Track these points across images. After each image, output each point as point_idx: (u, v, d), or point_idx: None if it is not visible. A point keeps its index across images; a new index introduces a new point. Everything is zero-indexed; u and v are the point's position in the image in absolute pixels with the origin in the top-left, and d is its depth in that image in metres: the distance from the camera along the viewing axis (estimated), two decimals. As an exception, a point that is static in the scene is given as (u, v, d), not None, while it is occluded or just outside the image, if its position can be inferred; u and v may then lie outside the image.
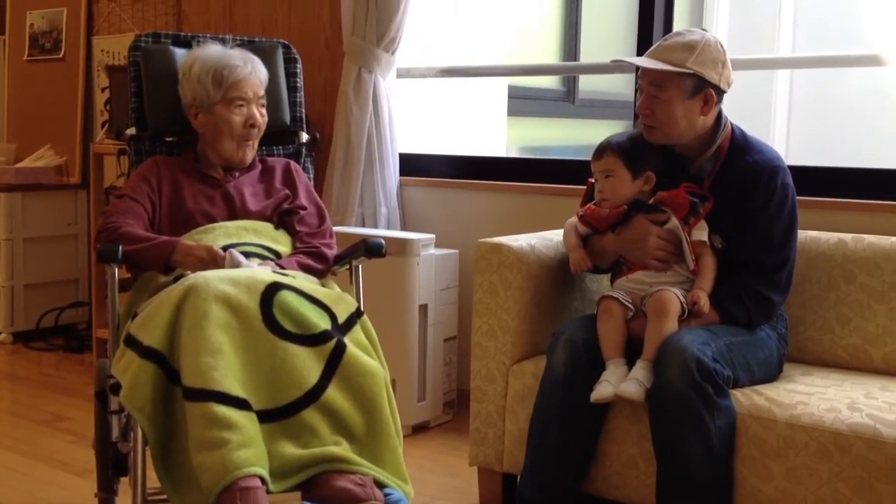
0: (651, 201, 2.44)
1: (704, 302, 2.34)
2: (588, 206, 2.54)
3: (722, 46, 2.41)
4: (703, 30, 2.43)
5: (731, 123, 2.48)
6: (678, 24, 3.29)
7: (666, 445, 2.23)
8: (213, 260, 2.26)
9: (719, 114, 2.45)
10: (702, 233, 2.40)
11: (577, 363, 2.35)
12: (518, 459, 2.54)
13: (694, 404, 2.17)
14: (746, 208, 2.39)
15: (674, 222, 2.40)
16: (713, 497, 2.21)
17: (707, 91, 2.38)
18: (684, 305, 2.34)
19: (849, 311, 2.57)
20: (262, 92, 2.58)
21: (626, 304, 2.39)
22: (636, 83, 2.44)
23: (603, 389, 2.30)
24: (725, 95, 2.45)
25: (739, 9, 6.16)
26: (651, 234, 2.41)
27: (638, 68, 2.49)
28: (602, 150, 2.48)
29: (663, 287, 2.37)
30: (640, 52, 3.26)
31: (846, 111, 5.57)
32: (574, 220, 2.57)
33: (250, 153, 2.58)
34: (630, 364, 2.33)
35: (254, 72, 2.55)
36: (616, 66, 3.04)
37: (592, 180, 2.54)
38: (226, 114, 2.51)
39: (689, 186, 2.42)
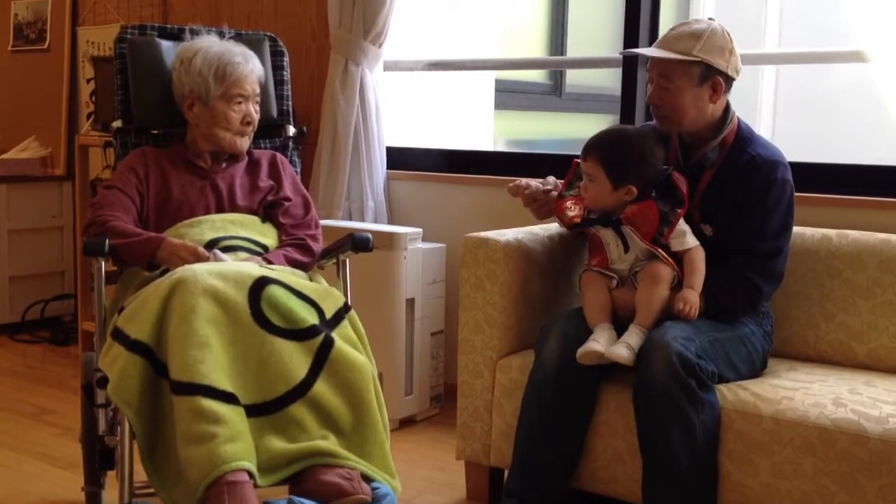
0: (619, 216, 2.37)
1: (694, 301, 2.30)
2: (564, 200, 2.51)
3: (728, 34, 2.42)
4: (710, 19, 2.44)
5: (737, 117, 2.48)
6: (664, 18, 3.28)
7: (651, 440, 2.24)
8: (197, 260, 2.25)
9: (727, 105, 2.46)
10: (682, 239, 2.34)
11: (569, 356, 2.33)
12: (505, 454, 2.55)
13: (678, 399, 2.17)
14: (743, 198, 2.39)
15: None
16: (698, 491, 2.22)
17: (715, 79, 2.39)
18: (676, 276, 2.33)
19: (833, 307, 2.58)
20: (258, 89, 2.59)
21: (607, 273, 2.40)
22: (641, 76, 2.43)
23: (591, 346, 2.27)
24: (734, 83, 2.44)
25: (726, 4, 6.18)
26: None
27: (647, 60, 2.50)
28: (588, 150, 2.40)
29: (656, 260, 2.35)
30: (627, 46, 3.26)
31: (831, 107, 5.60)
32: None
33: (246, 143, 2.58)
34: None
35: (254, 69, 2.56)
36: (602, 60, 3.05)
37: (578, 161, 2.48)
38: (224, 109, 2.50)
39: (663, 189, 2.36)
